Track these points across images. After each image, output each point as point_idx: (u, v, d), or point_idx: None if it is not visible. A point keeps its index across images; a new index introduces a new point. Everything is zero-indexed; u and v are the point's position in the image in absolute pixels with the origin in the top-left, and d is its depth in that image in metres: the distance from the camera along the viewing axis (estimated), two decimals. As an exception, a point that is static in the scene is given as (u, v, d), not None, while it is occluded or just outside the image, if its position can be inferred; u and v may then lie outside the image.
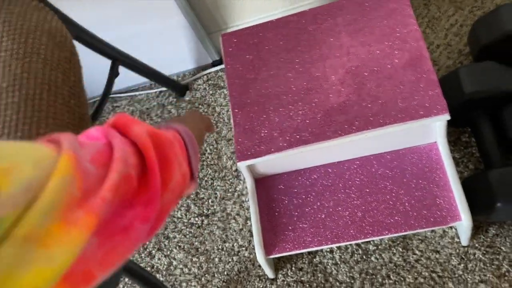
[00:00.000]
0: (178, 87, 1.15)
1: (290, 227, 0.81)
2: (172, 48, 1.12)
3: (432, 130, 0.75)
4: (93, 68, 0.94)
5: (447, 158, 0.76)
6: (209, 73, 1.17)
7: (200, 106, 1.13)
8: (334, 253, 0.90)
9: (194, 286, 0.96)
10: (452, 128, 0.94)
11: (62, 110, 0.57)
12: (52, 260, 0.26)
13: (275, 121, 0.74)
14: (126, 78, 1.03)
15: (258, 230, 0.81)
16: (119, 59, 0.89)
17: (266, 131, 0.74)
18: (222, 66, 1.15)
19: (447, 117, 0.69)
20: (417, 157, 0.79)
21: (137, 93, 1.21)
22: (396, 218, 0.76)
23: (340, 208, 0.80)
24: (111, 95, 1.20)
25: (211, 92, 1.14)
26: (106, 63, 0.91)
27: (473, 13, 1.04)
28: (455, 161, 0.91)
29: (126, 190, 0.32)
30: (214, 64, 1.17)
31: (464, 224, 0.74)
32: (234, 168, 1.05)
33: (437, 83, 0.70)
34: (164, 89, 1.18)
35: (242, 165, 0.76)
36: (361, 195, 0.79)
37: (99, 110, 0.80)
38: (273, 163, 0.80)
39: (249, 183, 0.83)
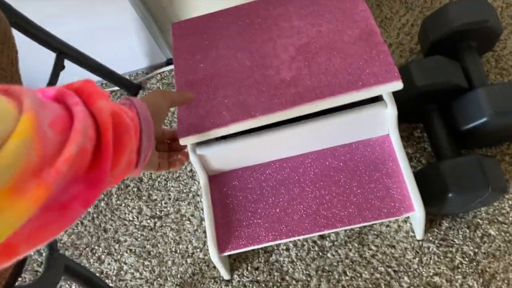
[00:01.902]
0: (130, 86, 1.11)
1: (244, 223, 0.79)
2: (124, 45, 1.08)
3: (384, 121, 0.75)
4: (39, 60, 0.89)
5: (399, 150, 0.76)
6: (163, 72, 1.14)
7: (153, 105, 1.10)
8: (290, 250, 0.88)
9: (146, 291, 0.91)
10: (405, 124, 0.95)
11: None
12: None
13: (221, 97, 0.71)
14: (75, 77, 0.98)
15: (212, 227, 0.78)
16: (64, 52, 0.85)
17: (212, 109, 0.70)
18: (177, 65, 1.13)
19: (399, 85, 0.66)
20: (370, 149, 0.79)
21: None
22: (350, 210, 0.75)
23: (294, 202, 0.78)
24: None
25: (165, 91, 1.11)
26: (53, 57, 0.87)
27: (422, 13, 1.06)
28: (408, 156, 0.92)
29: (80, 164, 0.31)
30: (168, 63, 1.14)
31: (417, 215, 0.74)
32: (189, 169, 1.01)
33: (388, 53, 0.69)
34: (116, 88, 1.13)
35: (194, 159, 0.73)
36: (315, 188, 0.78)
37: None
38: (226, 156, 0.77)
39: (202, 178, 0.80)
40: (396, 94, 0.84)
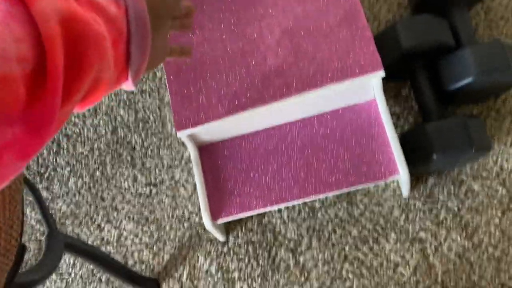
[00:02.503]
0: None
1: (235, 192, 0.81)
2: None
3: (369, 87, 0.75)
4: None
5: (385, 114, 0.77)
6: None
7: (140, 72, 1.09)
8: (282, 212, 0.92)
9: (146, 255, 0.96)
10: (393, 83, 0.95)
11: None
12: None
13: (213, 87, 0.72)
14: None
15: (204, 197, 0.81)
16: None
17: (204, 98, 0.72)
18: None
19: (381, 74, 0.69)
20: (357, 115, 0.80)
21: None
22: (337, 176, 0.77)
23: (283, 170, 0.80)
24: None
25: None
26: None
27: (411, -36, 1.03)
28: (395, 116, 0.93)
29: (5, 100, 0.21)
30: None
31: (402, 176, 0.76)
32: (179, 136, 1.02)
33: (371, 40, 0.69)
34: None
35: (183, 135, 0.74)
36: (303, 156, 0.80)
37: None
38: (215, 130, 0.78)
39: (192, 152, 0.82)
40: (384, 54, 0.84)
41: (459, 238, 0.84)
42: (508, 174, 0.86)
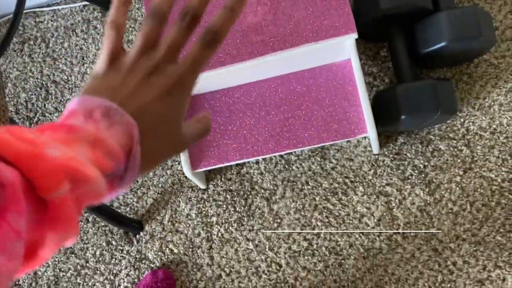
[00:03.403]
0: (102, 0, 1.10)
1: (214, 144, 0.86)
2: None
3: (344, 48, 0.78)
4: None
5: (358, 75, 0.80)
6: (135, -16, 1.12)
7: (126, 21, 1.10)
8: (259, 164, 0.97)
9: (131, 198, 1.02)
10: (372, 43, 0.97)
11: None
12: None
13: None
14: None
15: (184, 147, 0.85)
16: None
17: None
18: (148, -23, 1.10)
19: (355, 35, 0.71)
20: (332, 74, 0.83)
21: (60, 7, 1.15)
22: (310, 132, 0.82)
23: (260, 125, 0.84)
24: (34, 9, 1.14)
25: (137, 5, 1.11)
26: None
27: None
28: (372, 75, 0.96)
29: None
30: (140, -25, 1.11)
31: (370, 136, 0.81)
32: (165, 85, 1.06)
33: (347, 2, 0.72)
34: (88, 2, 1.12)
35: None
36: (279, 112, 0.84)
37: (11, 31, 0.77)
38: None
39: (172, 103, 0.85)
40: (363, 15, 0.86)
41: (422, 193, 0.90)
42: (473, 135, 0.91)
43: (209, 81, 0.82)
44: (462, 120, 0.92)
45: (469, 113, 0.91)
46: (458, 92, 0.92)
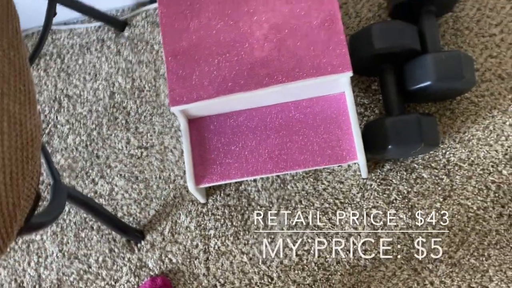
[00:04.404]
0: (116, 22, 1.18)
1: (217, 162, 0.93)
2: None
3: (339, 83, 0.87)
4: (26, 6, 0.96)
5: (351, 107, 0.89)
6: (148, 10, 1.20)
7: (139, 43, 1.18)
8: (257, 182, 1.05)
9: (134, 209, 1.09)
10: (365, 77, 1.06)
11: (2, 62, 0.63)
12: None
13: (205, 70, 0.83)
14: (65, 11, 1.05)
15: (190, 164, 0.93)
16: (56, -2, 0.92)
17: (197, 79, 0.83)
18: (161, 3, 1.19)
19: (350, 73, 0.80)
20: (328, 104, 0.92)
21: (76, 26, 1.23)
22: (306, 156, 0.90)
23: (260, 147, 0.92)
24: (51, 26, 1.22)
25: (149, 29, 1.19)
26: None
27: (395, -32, 1.12)
28: (364, 106, 1.05)
29: None
30: (153, 1, 1.20)
31: (360, 162, 0.89)
32: (171, 105, 1.13)
33: (344, 43, 0.80)
34: (103, 23, 1.20)
35: (175, 110, 0.85)
36: (278, 136, 0.92)
37: (37, 51, 0.85)
38: (204, 107, 0.90)
39: (182, 124, 0.93)
40: (358, 51, 0.95)
41: (404, 217, 0.98)
42: (453, 166, 1.00)
43: (217, 105, 0.90)
44: (443, 151, 1.01)
45: (450, 145, 1.01)
46: (441, 125, 1.02)
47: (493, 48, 1.04)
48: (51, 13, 0.90)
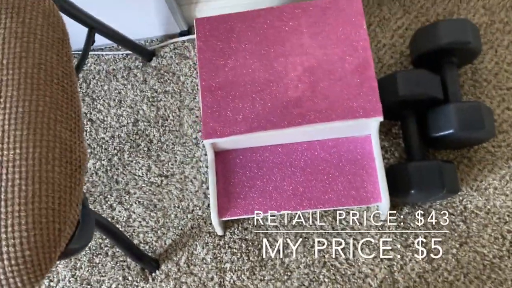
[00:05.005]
0: (145, 52, 1.21)
1: (241, 196, 0.95)
2: (142, 14, 1.17)
3: (368, 126, 0.90)
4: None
5: (377, 150, 0.92)
6: (176, 42, 1.24)
7: (165, 73, 1.21)
8: (275, 217, 1.06)
9: (151, 237, 1.09)
10: (386, 121, 1.10)
11: (57, 90, 0.65)
12: None
13: (239, 106, 0.85)
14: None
15: (214, 196, 0.94)
16: (95, 27, 0.95)
17: (230, 115, 0.85)
18: (189, 36, 1.23)
19: (380, 118, 0.83)
20: (353, 146, 0.94)
21: (104, 52, 1.26)
22: (330, 195, 0.92)
23: (285, 183, 0.94)
24: (79, 52, 1.24)
25: (176, 61, 1.22)
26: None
27: (417, 18, 1.18)
28: (384, 149, 1.08)
29: None
30: (182, 34, 1.23)
31: (383, 204, 0.91)
32: (194, 136, 1.15)
33: (376, 89, 0.84)
34: (131, 52, 1.23)
35: (207, 143, 0.87)
36: (303, 173, 0.94)
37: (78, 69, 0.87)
38: (234, 141, 0.91)
39: (209, 156, 0.95)
40: (382, 96, 0.98)
41: (421, 261, 0.99)
42: (470, 213, 1.02)
43: (246, 140, 0.92)
44: (461, 198, 1.03)
45: (467, 193, 1.03)
46: (459, 173, 1.04)
47: (510, 101, 1.08)
48: (89, 41, 0.93)
